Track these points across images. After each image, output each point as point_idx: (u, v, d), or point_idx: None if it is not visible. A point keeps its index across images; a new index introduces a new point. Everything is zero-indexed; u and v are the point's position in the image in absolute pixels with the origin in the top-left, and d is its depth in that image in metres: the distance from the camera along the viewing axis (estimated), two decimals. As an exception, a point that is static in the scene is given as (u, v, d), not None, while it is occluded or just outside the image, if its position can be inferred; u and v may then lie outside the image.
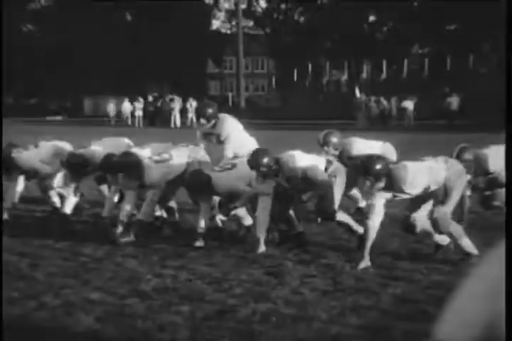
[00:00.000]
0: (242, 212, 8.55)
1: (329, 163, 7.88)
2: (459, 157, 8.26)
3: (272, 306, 5.72)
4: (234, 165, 8.26)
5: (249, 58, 72.64)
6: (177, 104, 41.22)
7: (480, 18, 45.78)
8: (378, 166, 6.89)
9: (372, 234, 7.03)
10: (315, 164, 7.75)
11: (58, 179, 10.31)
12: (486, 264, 2.07)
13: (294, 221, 8.16)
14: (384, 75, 48.34)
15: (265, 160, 7.56)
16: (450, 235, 7.28)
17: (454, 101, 35.57)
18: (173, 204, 9.26)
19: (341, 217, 7.90)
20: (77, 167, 9.62)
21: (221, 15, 70.99)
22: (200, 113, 9.30)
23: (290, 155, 7.76)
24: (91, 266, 7.23)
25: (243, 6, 57.53)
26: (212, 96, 55.60)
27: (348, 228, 7.99)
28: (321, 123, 36.96)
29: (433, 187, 7.12)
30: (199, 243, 8.06)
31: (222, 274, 6.78)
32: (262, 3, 68.12)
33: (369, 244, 7.04)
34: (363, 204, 9.47)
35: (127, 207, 8.53)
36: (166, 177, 8.63)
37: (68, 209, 9.89)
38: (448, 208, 7.21)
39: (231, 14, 66.26)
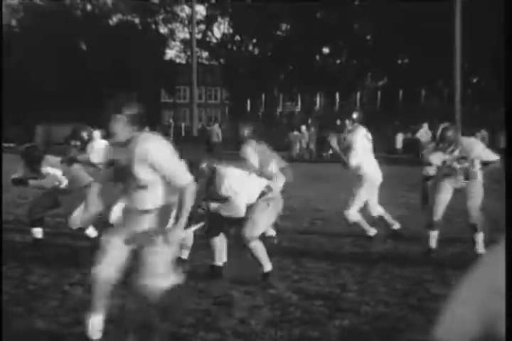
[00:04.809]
0: None
1: (269, 189, 7.62)
2: (442, 136, 8.62)
3: (220, 337, 5.70)
4: None
5: (203, 88, 72.87)
6: None
7: (433, 53, 46.42)
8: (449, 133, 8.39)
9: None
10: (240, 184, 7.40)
11: None
12: (482, 265, 2.09)
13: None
14: (337, 108, 48.70)
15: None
16: (475, 227, 8.51)
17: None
18: None
19: (354, 216, 9.30)
20: None
21: (176, 44, 71.10)
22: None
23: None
24: (37, 293, 7.14)
25: (198, 36, 57.73)
26: (165, 126, 55.33)
27: (361, 228, 9.42)
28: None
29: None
30: None
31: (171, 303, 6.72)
32: (217, 34, 68.50)
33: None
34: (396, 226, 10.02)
35: None
36: None
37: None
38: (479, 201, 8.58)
39: (186, 44, 66.36)
